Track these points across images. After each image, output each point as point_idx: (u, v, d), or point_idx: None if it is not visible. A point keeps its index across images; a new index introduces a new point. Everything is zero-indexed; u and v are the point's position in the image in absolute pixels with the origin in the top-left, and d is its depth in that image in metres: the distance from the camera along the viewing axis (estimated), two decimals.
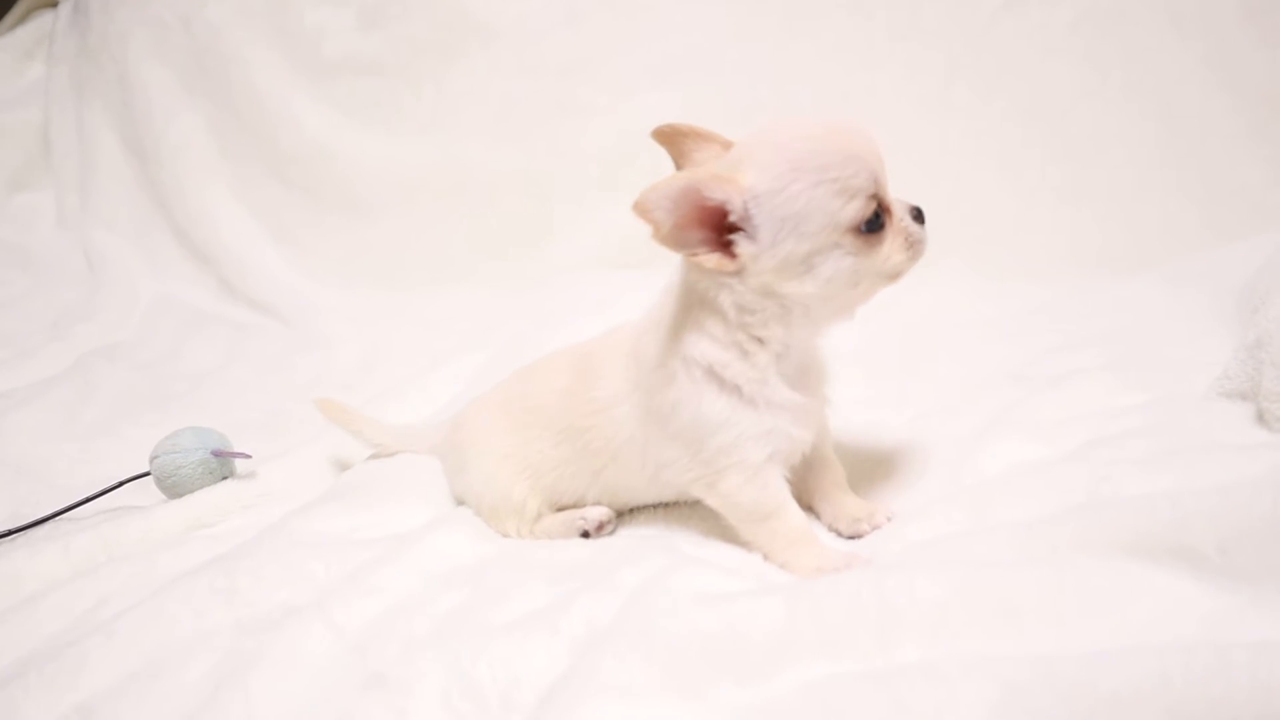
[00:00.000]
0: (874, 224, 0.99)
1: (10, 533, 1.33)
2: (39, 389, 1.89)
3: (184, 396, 1.91)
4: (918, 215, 1.05)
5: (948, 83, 2.10)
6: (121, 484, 1.42)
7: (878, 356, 1.67)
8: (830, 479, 1.17)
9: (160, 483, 1.40)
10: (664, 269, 2.08)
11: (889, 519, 1.11)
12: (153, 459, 1.39)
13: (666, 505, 1.25)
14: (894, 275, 1.05)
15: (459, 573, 1.09)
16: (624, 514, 1.26)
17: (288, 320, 2.35)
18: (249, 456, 1.44)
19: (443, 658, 0.90)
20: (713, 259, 0.99)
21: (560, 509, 1.25)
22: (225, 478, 1.43)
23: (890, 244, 1.02)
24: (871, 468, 1.27)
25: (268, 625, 1.00)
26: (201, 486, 1.39)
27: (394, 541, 1.17)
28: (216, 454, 1.40)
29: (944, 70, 2.10)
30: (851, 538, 1.11)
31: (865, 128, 1.01)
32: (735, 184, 0.96)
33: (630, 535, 1.21)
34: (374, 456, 1.50)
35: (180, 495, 1.38)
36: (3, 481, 1.49)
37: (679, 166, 1.09)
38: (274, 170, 2.56)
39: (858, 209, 0.97)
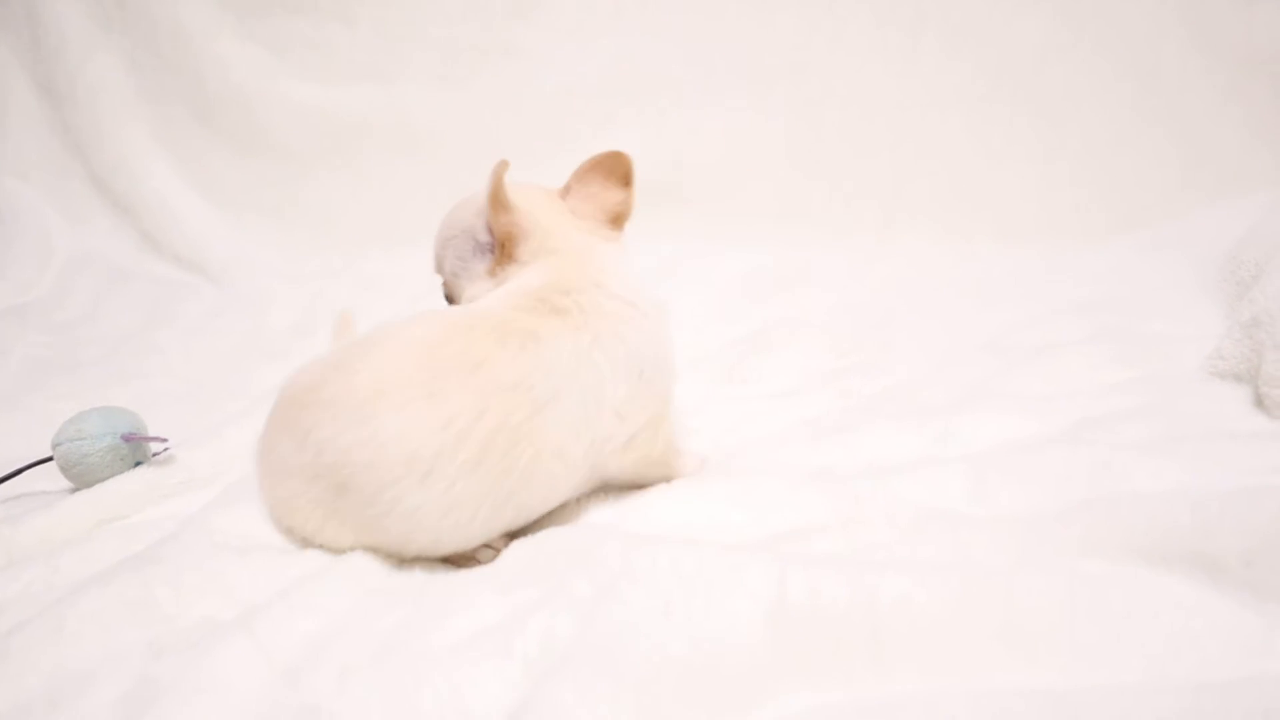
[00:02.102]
0: None
1: None
2: None
3: (100, 363, 1.76)
4: None
5: (916, 36, 2.00)
6: (21, 470, 1.28)
7: (845, 323, 1.58)
8: None
9: (65, 472, 1.26)
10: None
11: None
12: (55, 445, 1.26)
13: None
14: None
15: (399, 584, 0.98)
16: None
17: (216, 278, 2.19)
18: (165, 441, 1.30)
19: (383, 687, 0.80)
20: None
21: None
22: (138, 463, 1.29)
23: None
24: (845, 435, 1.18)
25: (185, 646, 0.89)
26: (111, 474, 1.26)
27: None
28: (127, 439, 1.27)
29: (912, 23, 2.00)
30: None
31: None
32: None
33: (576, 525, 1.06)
34: None
35: (88, 484, 1.25)
36: None
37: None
38: (200, 115, 2.39)
39: None
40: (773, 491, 1.05)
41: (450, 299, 1.19)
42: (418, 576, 1.01)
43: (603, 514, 1.08)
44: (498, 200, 1.07)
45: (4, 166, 2.54)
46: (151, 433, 1.31)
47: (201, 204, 2.36)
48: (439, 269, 1.18)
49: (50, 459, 1.28)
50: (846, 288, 1.69)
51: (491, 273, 1.11)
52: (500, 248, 1.10)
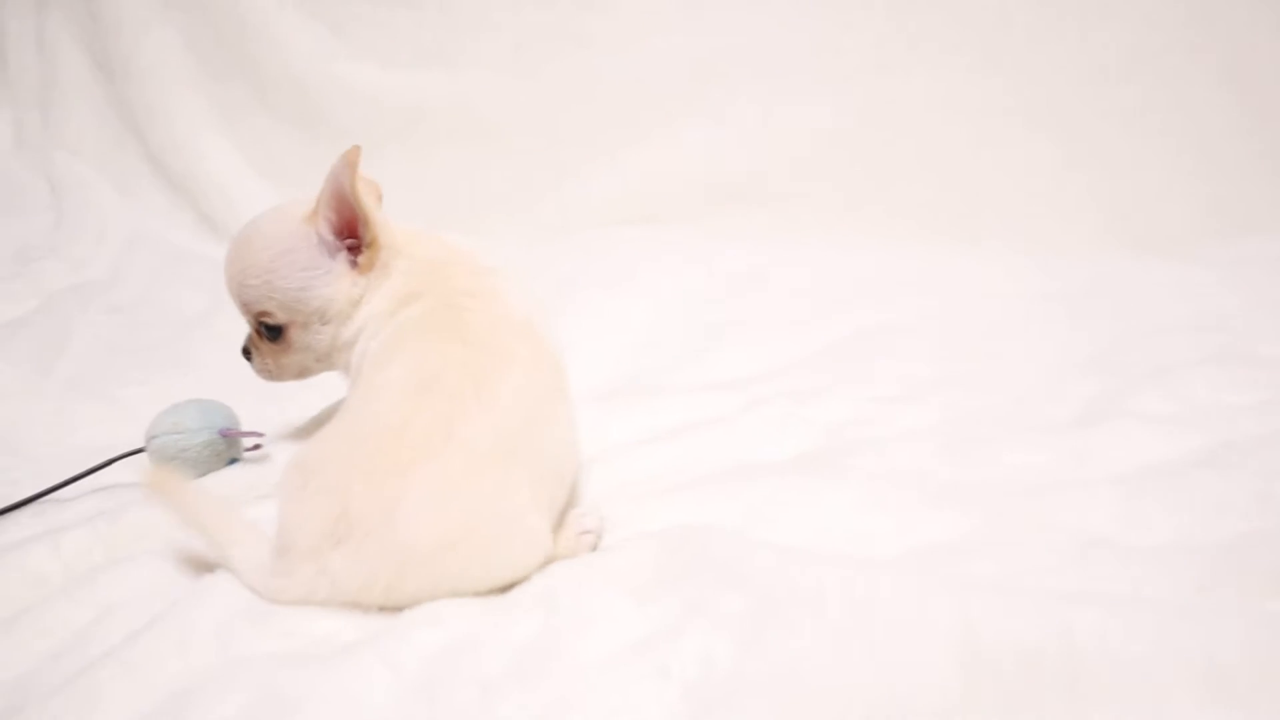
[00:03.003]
0: None
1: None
2: (4, 334, 1.69)
3: (165, 347, 1.72)
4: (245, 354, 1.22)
5: (1000, 39, 1.94)
6: (111, 461, 1.24)
7: (939, 332, 1.54)
8: None
9: (159, 453, 1.22)
10: (685, 224, 1.96)
11: None
12: (151, 438, 1.22)
13: None
14: None
15: (528, 590, 0.93)
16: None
17: None
18: (261, 436, 1.27)
19: (529, 707, 0.77)
20: None
21: None
22: (233, 460, 1.26)
23: None
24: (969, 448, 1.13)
25: (308, 658, 0.85)
26: (208, 470, 1.22)
27: None
28: (224, 434, 1.23)
29: (996, 26, 1.94)
30: None
31: (233, 251, 1.14)
32: None
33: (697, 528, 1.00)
34: None
35: (185, 470, 1.22)
36: None
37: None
38: (258, 95, 2.34)
39: None
40: (907, 502, 1.01)
41: (276, 330, 1.14)
42: (536, 582, 0.96)
43: (721, 511, 1.03)
44: (356, 185, 1.05)
45: (58, 141, 2.50)
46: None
47: (259, 185, 2.31)
48: (256, 307, 1.13)
49: (140, 450, 1.24)
50: (935, 295, 1.65)
51: (361, 267, 1.09)
52: (367, 236, 1.08)
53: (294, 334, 1.14)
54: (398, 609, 0.91)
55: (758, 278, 1.76)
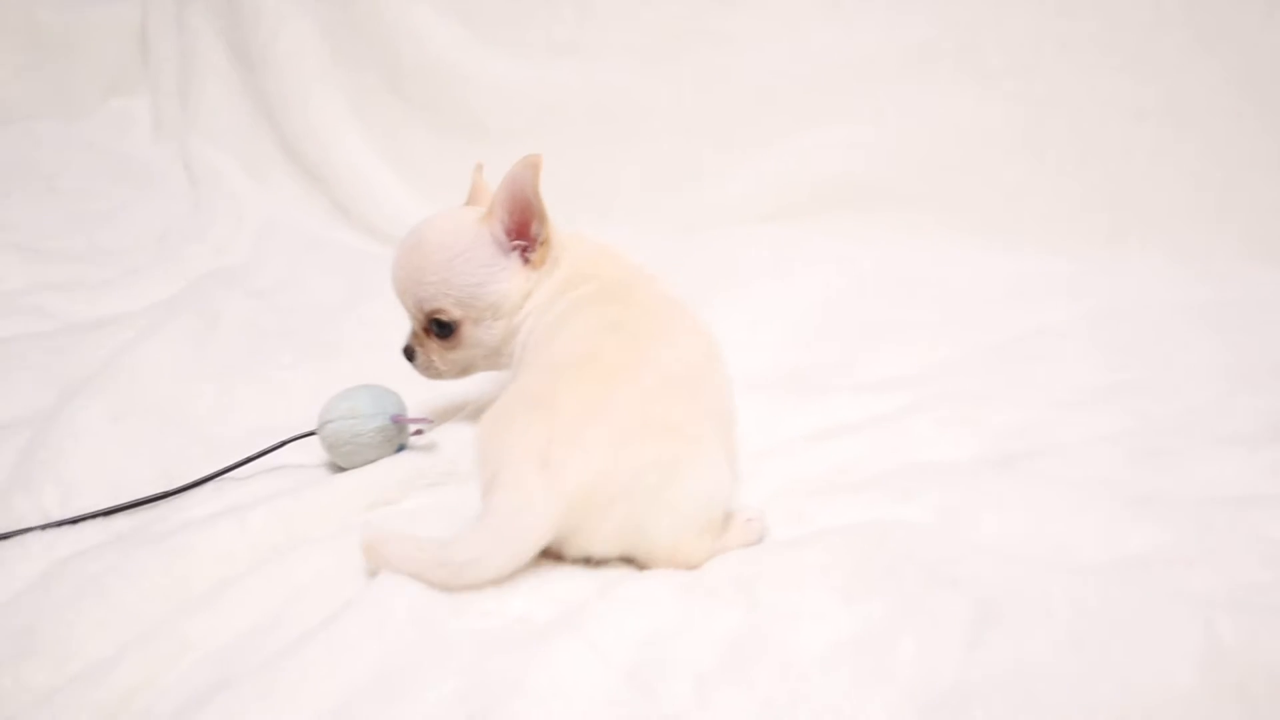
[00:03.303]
0: None
1: (169, 494, 1.19)
2: (158, 316, 1.74)
3: (313, 332, 1.75)
4: (407, 353, 1.29)
5: (1154, 41, 1.88)
6: (285, 443, 1.26)
7: (1106, 336, 1.50)
8: None
9: (333, 449, 1.24)
10: (822, 224, 1.93)
11: None
12: (325, 422, 1.23)
13: None
14: None
15: (718, 578, 0.92)
16: None
17: None
18: (430, 422, 1.28)
19: (748, 704, 0.76)
20: None
21: None
22: (401, 447, 1.27)
23: None
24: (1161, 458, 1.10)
25: (513, 644, 0.85)
26: (378, 456, 1.24)
27: None
28: (396, 420, 1.24)
29: (1150, 27, 1.88)
30: None
31: (405, 253, 1.22)
32: None
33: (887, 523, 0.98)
34: None
35: (353, 464, 1.23)
36: (150, 429, 1.33)
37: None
38: (393, 86, 2.37)
39: None
40: (1106, 510, 0.98)
41: (448, 327, 1.21)
42: (731, 564, 0.95)
43: (911, 510, 1.01)
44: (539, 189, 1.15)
45: (195, 129, 2.56)
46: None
47: (392, 176, 2.34)
48: (431, 305, 1.20)
49: (310, 434, 1.26)
50: (1087, 301, 1.61)
51: (534, 263, 1.18)
52: (542, 235, 1.18)
53: (466, 330, 1.21)
54: (599, 547, 0.95)
55: (904, 279, 1.73)
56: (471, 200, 1.32)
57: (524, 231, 1.18)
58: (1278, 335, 1.47)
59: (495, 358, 1.25)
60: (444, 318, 1.20)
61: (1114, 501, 1.00)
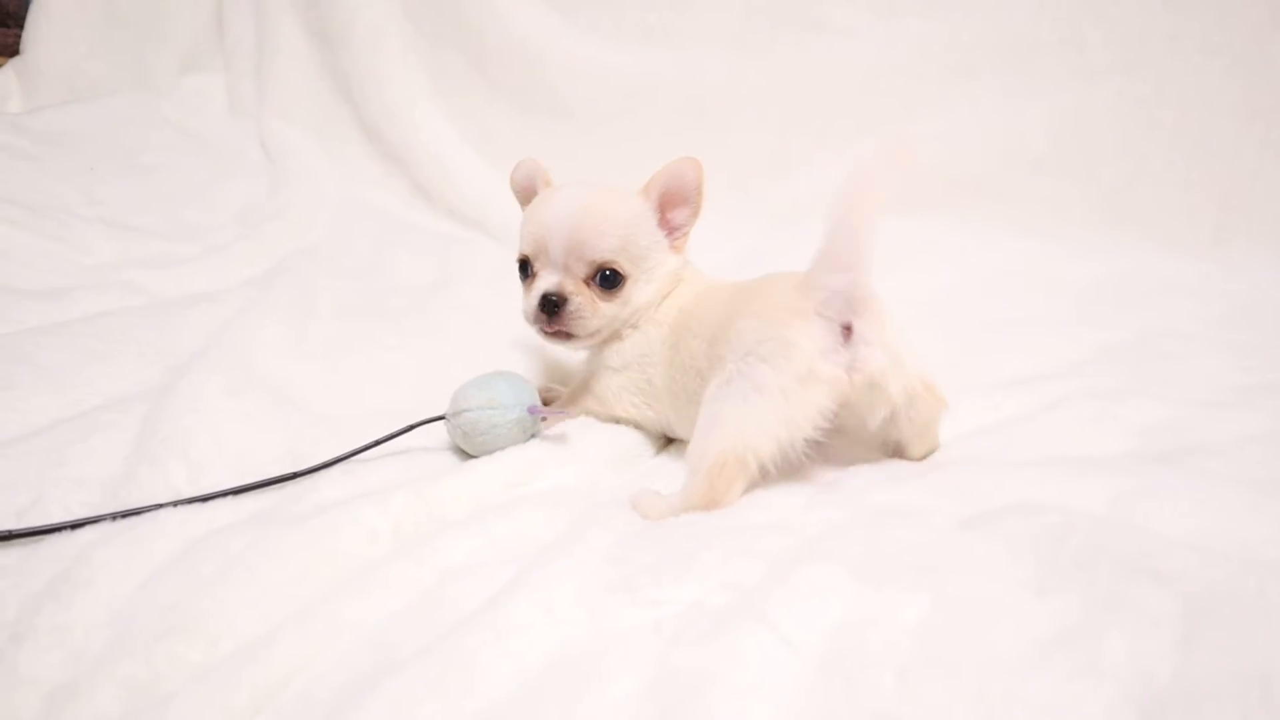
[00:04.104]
0: (523, 271, 1.35)
1: (301, 474, 1.17)
2: (252, 294, 1.73)
3: (410, 314, 1.74)
4: (545, 301, 1.29)
5: (1264, 39, 1.84)
6: (413, 427, 1.25)
7: (1230, 337, 1.46)
8: None
9: (467, 438, 1.22)
10: (929, 217, 1.90)
11: None
12: (461, 411, 1.21)
13: None
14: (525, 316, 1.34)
15: (900, 565, 0.88)
16: None
17: (495, 235, 2.15)
18: (566, 415, 1.28)
19: (957, 699, 0.73)
20: None
21: None
22: (533, 436, 1.26)
23: (526, 295, 1.33)
24: None
25: (697, 634, 0.82)
26: (511, 445, 1.23)
27: (790, 516, 1.00)
28: (533, 411, 1.22)
29: (1261, 24, 1.84)
30: None
31: (584, 209, 1.28)
32: None
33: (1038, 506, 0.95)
34: None
35: (484, 452, 1.22)
36: (268, 407, 1.32)
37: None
38: (477, 68, 2.35)
39: (520, 252, 1.34)
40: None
41: (617, 279, 1.28)
42: (905, 548, 0.91)
43: (1081, 500, 0.98)
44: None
45: (271, 108, 2.55)
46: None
47: (475, 158, 2.33)
48: (606, 256, 1.27)
49: (439, 418, 1.24)
50: (1206, 300, 1.58)
51: (677, 248, 1.34)
52: (690, 226, 1.35)
53: (629, 287, 1.29)
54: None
55: (1015, 275, 1.71)
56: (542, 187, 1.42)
57: (666, 218, 1.33)
58: None
59: (621, 328, 1.33)
60: (617, 268, 1.28)
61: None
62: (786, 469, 1.08)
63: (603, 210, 1.28)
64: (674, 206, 1.32)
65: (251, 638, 0.90)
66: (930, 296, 1.67)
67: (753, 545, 0.95)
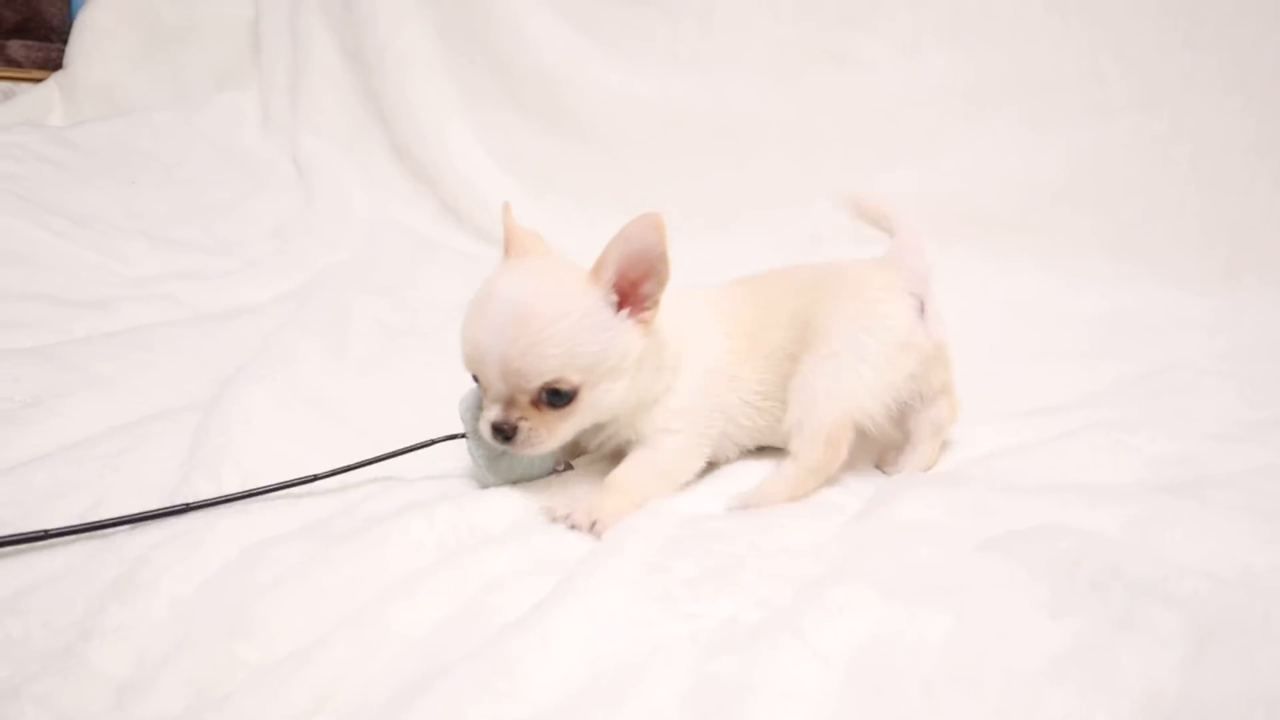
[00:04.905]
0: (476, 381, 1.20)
1: (334, 473, 1.24)
2: (290, 308, 1.78)
3: (444, 332, 1.77)
4: (495, 431, 1.14)
5: (1271, 83, 1.89)
6: (434, 442, 1.30)
7: (1240, 372, 1.51)
8: None
9: (493, 464, 1.25)
10: (949, 248, 1.95)
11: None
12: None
13: None
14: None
15: (929, 586, 0.94)
16: None
17: None
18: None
19: (983, 706, 0.78)
20: None
21: None
22: (555, 469, 1.30)
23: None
24: None
25: (734, 646, 0.87)
26: (537, 475, 1.27)
27: (822, 541, 1.05)
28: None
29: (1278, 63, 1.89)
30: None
31: (513, 333, 1.09)
32: None
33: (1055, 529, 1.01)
34: None
35: (507, 479, 1.26)
36: (314, 419, 1.37)
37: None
38: (508, 92, 2.42)
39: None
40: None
41: (566, 396, 1.12)
42: (930, 570, 0.96)
43: (1094, 525, 1.03)
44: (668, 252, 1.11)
45: (304, 125, 2.62)
46: None
47: (504, 179, 2.39)
48: (549, 377, 1.11)
49: (461, 436, 1.29)
50: (1218, 335, 1.63)
51: (646, 322, 1.15)
52: (658, 295, 1.15)
53: (584, 395, 1.13)
54: None
55: (1032, 306, 1.76)
56: (511, 246, 1.25)
57: (632, 291, 1.14)
58: None
59: (604, 422, 1.22)
60: (563, 387, 1.11)
61: None
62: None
63: (538, 327, 1.08)
64: (638, 278, 1.12)
65: (306, 641, 0.94)
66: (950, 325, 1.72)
67: (787, 566, 1.00)
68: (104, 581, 1.01)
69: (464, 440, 1.29)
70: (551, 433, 1.14)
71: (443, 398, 1.50)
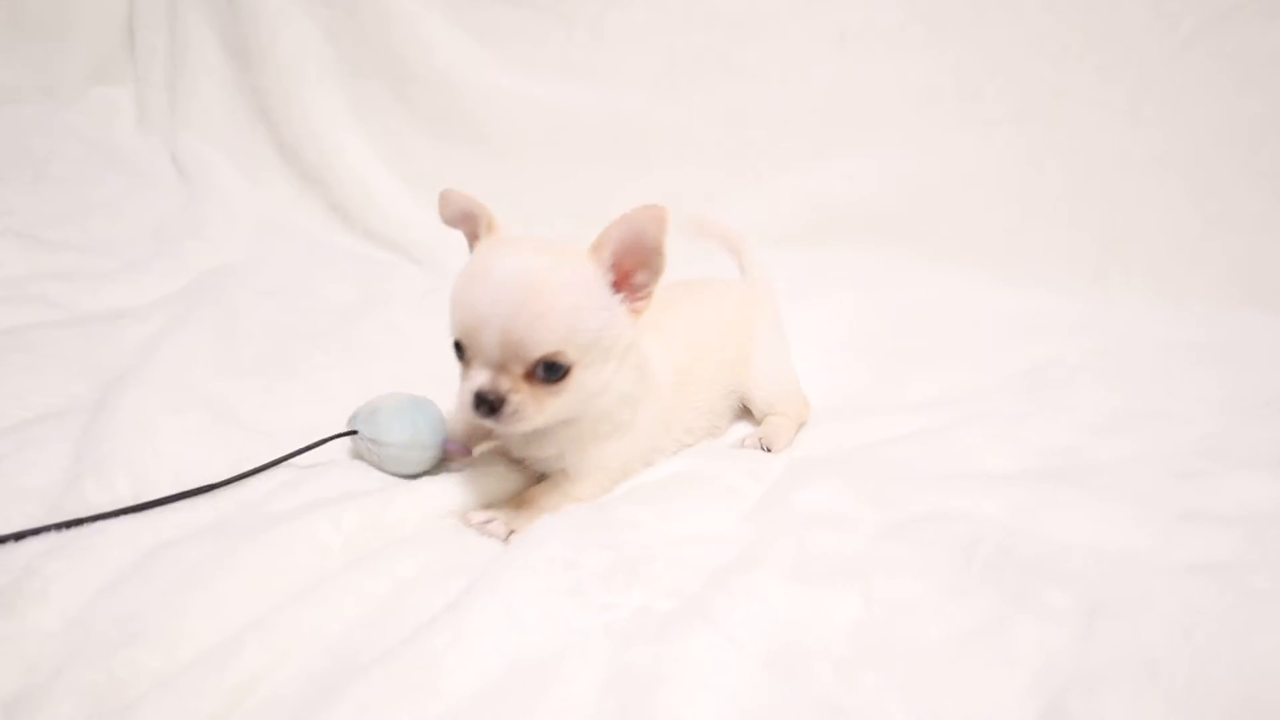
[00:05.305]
0: (458, 352, 1.15)
1: (226, 482, 1.20)
2: (176, 310, 1.72)
3: (340, 334, 1.75)
4: (479, 400, 1.11)
5: (1139, 98, 2.02)
6: (326, 441, 1.28)
7: (1110, 369, 1.60)
8: None
9: (382, 464, 1.26)
10: (833, 253, 2.02)
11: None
12: (381, 443, 1.25)
13: None
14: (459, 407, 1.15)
15: (836, 570, 0.97)
16: None
17: (416, 259, 2.19)
18: (469, 456, 1.32)
19: (888, 687, 0.82)
20: None
21: None
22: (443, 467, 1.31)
23: (463, 379, 1.14)
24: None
25: (644, 635, 0.89)
26: (423, 472, 1.28)
27: (728, 528, 1.10)
28: (448, 448, 1.27)
29: (1135, 85, 2.02)
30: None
31: (521, 299, 1.07)
32: None
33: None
34: None
35: (398, 476, 1.27)
36: (208, 423, 1.32)
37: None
38: (397, 94, 2.39)
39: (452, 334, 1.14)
40: (1161, 522, 1.06)
41: (560, 371, 1.11)
42: (837, 555, 1.00)
43: (985, 509, 1.08)
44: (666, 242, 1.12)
45: (183, 124, 2.53)
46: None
47: (395, 182, 2.36)
48: (548, 349, 1.09)
49: (352, 433, 1.29)
50: (1088, 335, 1.74)
51: (638, 313, 1.17)
52: (652, 287, 1.16)
53: (577, 374, 1.12)
54: None
55: (917, 309, 1.84)
56: (488, 229, 1.21)
57: (626, 277, 1.14)
58: (1263, 371, 1.59)
59: (585, 407, 1.19)
60: (561, 360, 1.10)
61: (1167, 514, 1.08)
62: None
63: (542, 295, 1.07)
64: (633, 265, 1.13)
65: (211, 646, 0.92)
66: (840, 325, 1.79)
67: (696, 555, 1.02)
68: None
69: (355, 438, 1.29)
70: (540, 408, 1.12)
71: (341, 399, 1.48)
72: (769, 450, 1.39)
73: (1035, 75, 2.04)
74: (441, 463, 1.31)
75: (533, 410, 1.11)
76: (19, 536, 1.04)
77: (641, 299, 1.16)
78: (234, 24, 2.50)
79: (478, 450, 1.36)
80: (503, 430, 1.16)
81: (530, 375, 1.10)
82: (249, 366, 1.55)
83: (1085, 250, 2.02)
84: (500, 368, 1.10)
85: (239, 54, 2.51)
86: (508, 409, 1.10)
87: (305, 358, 1.62)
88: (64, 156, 2.34)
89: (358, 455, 1.31)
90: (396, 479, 1.26)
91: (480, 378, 1.10)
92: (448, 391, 1.38)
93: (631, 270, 1.14)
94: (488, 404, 1.10)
